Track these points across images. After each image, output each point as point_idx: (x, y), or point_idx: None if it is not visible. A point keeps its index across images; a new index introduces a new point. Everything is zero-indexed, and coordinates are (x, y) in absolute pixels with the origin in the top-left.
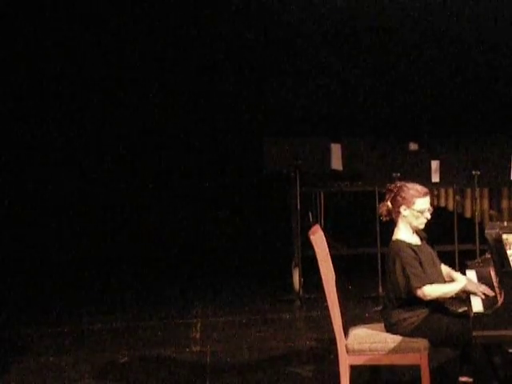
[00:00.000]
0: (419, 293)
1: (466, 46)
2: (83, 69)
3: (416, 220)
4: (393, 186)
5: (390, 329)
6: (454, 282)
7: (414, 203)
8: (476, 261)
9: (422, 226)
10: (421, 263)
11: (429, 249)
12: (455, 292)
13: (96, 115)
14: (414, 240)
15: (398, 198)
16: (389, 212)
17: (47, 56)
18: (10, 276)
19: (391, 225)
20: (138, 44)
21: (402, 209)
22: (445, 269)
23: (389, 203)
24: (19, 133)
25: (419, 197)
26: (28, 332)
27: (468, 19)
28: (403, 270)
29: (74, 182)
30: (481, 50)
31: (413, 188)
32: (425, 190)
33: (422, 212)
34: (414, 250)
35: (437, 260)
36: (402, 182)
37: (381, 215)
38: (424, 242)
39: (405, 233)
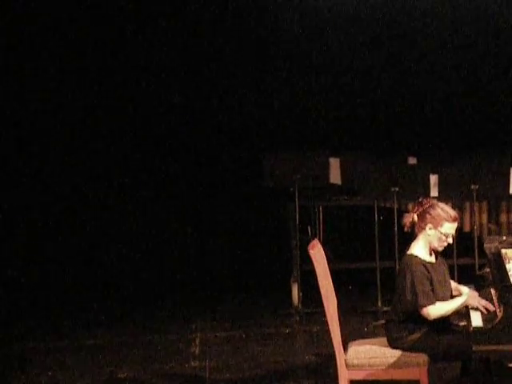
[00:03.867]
0: (424, 312)
1: (466, 60)
2: (82, 70)
3: (438, 242)
4: (425, 201)
5: (392, 342)
6: (455, 298)
7: (441, 225)
8: (484, 270)
9: (440, 249)
10: (431, 282)
11: (442, 267)
12: (458, 308)
13: (98, 133)
14: (429, 258)
15: (427, 215)
16: (412, 224)
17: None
18: (10, 291)
19: (390, 239)
20: (140, 56)
21: (428, 227)
22: (452, 284)
23: (415, 216)
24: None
25: (449, 221)
26: (27, 347)
27: (468, 32)
28: (412, 285)
29: (78, 197)
30: (481, 64)
31: (444, 210)
32: (455, 215)
33: (446, 236)
34: (426, 268)
35: (448, 278)
36: (435, 201)
37: (404, 225)
38: (439, 260)
39: (422, 249)
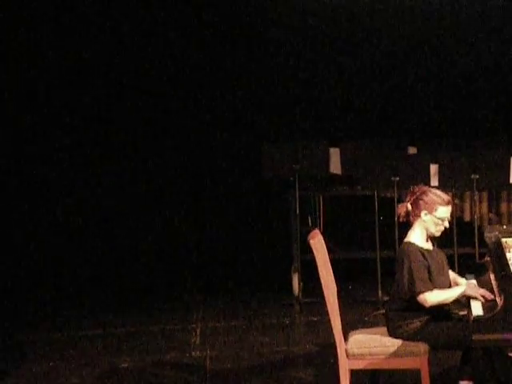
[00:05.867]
0: (421, 298)
1: (465, 49)
2: (81, 71)
3: (434, 227)
4: (416, 188)
5: (393, 331)
6: (453, 288)
7: (436, 210)
8: (485, 259)
9: (438, 234)
10: (429, 269)
11: (440, 255)
12: (455, 297)
13: (96, 129)
14: (426, 245)
15: (420, 201)
16: (407, 213)
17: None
18: (10, 281)
19: (391, 229)
20: (138, 48)
21: (423, 213)
22: (450, 274)
23: (409, 205)
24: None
25: (442, 204)
26: (28, 338)
27: (465, 24)
28: (410, 272)
29: (76, 189)
30: (480, 53)
31: (437, 194)
32: (448, 198)
33: (442, 220)
34: (423, 255)
35: (446, 267)
36: (427, 187)
37: (398, 215)
38: (435, 247)
39: (418, 237)
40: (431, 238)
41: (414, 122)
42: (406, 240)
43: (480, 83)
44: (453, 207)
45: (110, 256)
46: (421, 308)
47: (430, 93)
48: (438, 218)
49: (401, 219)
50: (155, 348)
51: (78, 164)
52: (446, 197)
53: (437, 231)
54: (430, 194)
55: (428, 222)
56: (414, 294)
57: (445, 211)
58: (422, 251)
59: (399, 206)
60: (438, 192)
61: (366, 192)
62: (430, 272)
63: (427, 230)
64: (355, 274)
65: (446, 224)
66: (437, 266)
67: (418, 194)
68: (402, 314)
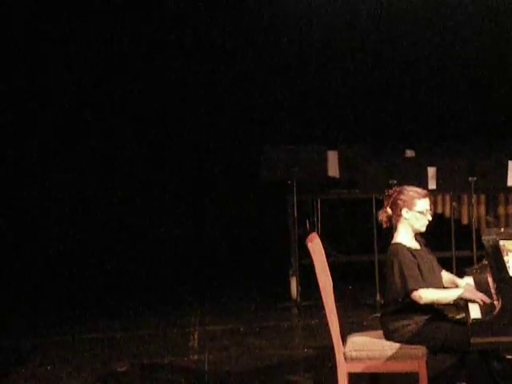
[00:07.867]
0: (415, 295)
1: (462, 52)
2: (80, 72)
3: (418, 222)
4: (391, 191)
5: (389, 336)
6: (450, 289)
7: (415, 204)
8: (474, 267)
9: (423, 229)
10: (419, 268)
11: (428, 255)
12: (452, 299)
13: (96, 130)
14: (414, 244)
15: (399, 201)
16: (389, 218)
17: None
18: (8, 285)
19: (389, 232)
20: (138, 49)
21: (404, 211)
22: (447, 275)
23: (388, 209)
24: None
25: (419, 198)
26: (26, 341)
27: (462, 27)
28: (401, 271)
29: (76, 190)
30: (476, 57)
31: (412, 190)
32: (424, 191)
33: (423, 213)
34: (412, 254)
35: (436, 267)
36: (400, 187)
37: (381, 222)
38: (423, 247)
39: (405, 236)
40: (418, 238)
41: (412, 125)
42: (393, 242)
43: (478, 86)
44: (431, 199)
45: (107, 260)
46: (415, 309)
47: (428, 96)
48: (419, 212)
49: (384, 225)
50: (153, 352)
51: (79, 164)
52: (421, 190)
53: (421, 226)
54: (406, 191)
55: (411, 218)
56: (407, 293)
57: (423, 203)
58: (410, 250)
59: (379, 212)
60: (413, 188)
61: (364, 195)
62: (420, 270)
63: (412, 227)
64: (353, 277)
65: (429, 217)
66: (426, 265)
67: (394, 195)
68: (396, 316)
